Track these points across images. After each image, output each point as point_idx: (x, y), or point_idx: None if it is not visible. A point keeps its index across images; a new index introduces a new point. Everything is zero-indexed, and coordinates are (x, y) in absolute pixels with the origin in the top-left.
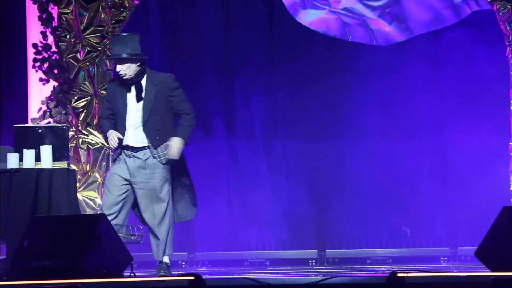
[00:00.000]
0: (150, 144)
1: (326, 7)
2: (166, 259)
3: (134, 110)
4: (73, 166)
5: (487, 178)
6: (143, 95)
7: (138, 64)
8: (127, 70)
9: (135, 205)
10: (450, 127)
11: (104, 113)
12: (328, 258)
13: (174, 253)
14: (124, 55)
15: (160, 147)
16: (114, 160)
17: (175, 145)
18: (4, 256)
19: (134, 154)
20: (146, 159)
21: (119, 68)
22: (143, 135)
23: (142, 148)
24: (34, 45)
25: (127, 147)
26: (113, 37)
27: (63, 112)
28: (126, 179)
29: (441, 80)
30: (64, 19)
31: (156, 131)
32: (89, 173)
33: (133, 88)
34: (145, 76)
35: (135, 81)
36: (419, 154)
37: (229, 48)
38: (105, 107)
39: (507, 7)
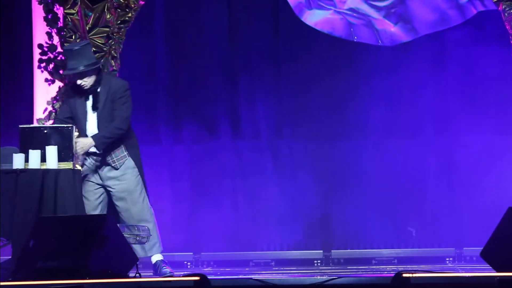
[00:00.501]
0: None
1: (332, 8)
2: (159, 256)
3: (93, 118)
4: (78, 167)
5: (493, 178)
6: (98, 104)
7: (96, 72)
8: (88, 80)
9: (109, 210)
10: (455, 127)
11: (61, 115)
12: (333, 259)
13: (179, 253)
14: (82, 68)
15: (114, 152)
16: (83, 166)
17: (81, 141)
18: (10, 256)
19: (101, 159)
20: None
21: (80, 81)
22: None
23: (103, 154)
24: (40, 46)
25: (95, 154)
26: (67, 52)
27: None
28: (98, 184)
29: (446, 80)
30: (69, 20)
31: None
32: None
33: (90, 97)
34: (101, 82)
35: (92, 90)
36: (424, 154)
37: (234, 48)
38: (64, 110)
39: None
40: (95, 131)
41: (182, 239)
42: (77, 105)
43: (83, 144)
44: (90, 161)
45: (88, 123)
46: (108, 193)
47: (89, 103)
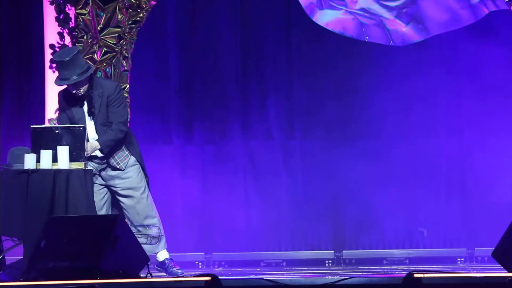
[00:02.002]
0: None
1: (343, 8)
2: (166, 254)
3: (91, 123)
4: (89, 167)
5: (505, 178)
6: (94, 109)
7: (89, 78)
8: (82, 87)
9: (114, 206)
10: (468, 127)
11: (62, 123)
12: (344, 259)
13: (190, 253)
14: (75, 77)
15: (116, 153)
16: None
17: (86, 145)
18: (21, 257)
19: (103, 161)
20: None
21: (75, 91)
22: None
23: (106, 157)
24: (51, 46)
25: (96, 157)
26: (58, 63)
27: None
28: (101, 184)
29: (459, 80)
30: (81, 20)
31: None
32: None
33: (85, 102)
34: (94, 87)
35: (86, 95)
36: (436, 154)
37: (246, 48)
38: (63, 119)
39: None
40: (94, 136)
41: (193, 239)
42: (73, 112)
43: (89, 147)
44: (92, 165)
45: (88, 128)
46: (112, 192)
47: (85, 108)
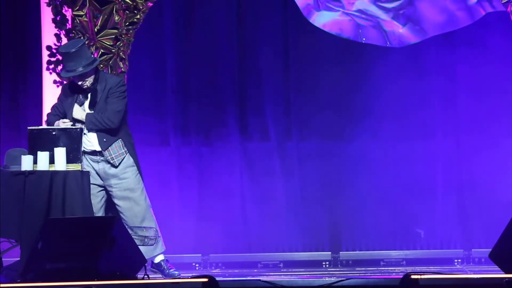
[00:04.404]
0: (100, 147)
1: (340, 9)
2: (161, 256)
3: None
4: (87, 168)
5: (502, 179)
6: (94, 103)
7: (95, 70)
8: (88, 79)
9: (109, 210)
10: (465, 129)
11: (54, 112)
12: (342, 260)
13: (187, 255)
14: (81, 69)
15: (112, 148)
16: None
17: (75, 111)
18: (18, 258)
19: (101, 158)
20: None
21: (80, 82)
22: None
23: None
24: (48, 48)
25: (94, 152)
26: (64, 54)
27: None
28: (99, 185)
29: (456, 82)
30: (78, 22)
31: (102, 134)
32: None
33: (89, 95)
34: (99, 80)
35: (92, 88)
36: (433, 156)
37: (243, 49)
38: (57, 107)
39: None
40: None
41: (191, 241)
42: (69, 104)
43: (77, 112)
44: (86, 162)
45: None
46: (108, 194)
47: (86, 102)
